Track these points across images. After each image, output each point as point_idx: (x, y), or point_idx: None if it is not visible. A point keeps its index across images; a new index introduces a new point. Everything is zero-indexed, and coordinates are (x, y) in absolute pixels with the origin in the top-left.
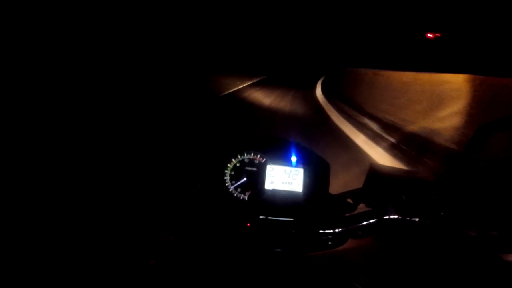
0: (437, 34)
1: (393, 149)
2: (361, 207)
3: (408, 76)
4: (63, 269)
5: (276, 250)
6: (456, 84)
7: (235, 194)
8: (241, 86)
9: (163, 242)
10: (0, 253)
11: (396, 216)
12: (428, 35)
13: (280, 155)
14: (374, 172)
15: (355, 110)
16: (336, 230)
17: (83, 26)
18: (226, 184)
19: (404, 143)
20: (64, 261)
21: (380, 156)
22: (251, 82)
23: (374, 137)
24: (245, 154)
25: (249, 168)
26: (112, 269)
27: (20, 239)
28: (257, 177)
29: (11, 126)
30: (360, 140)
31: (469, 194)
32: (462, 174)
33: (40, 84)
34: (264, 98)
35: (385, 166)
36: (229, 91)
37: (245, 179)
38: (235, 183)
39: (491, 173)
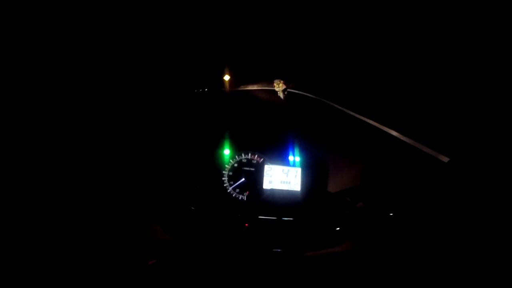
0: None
1: None
2: (360, 205)
3: None
4: (63, 269)
5: (275, 250)
6: None
7: (233, 195)
8: None
9: (163, 242)
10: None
11: (394, 214)
12: None
13: (278, 155)
14: (371, 171)
15: None
16: (336, 229)
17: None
18: (225, 185)
19: None
20: (65, 261)
21: None
22: None
23: None
24: (243, 155)
25: (247, 169)
26: (113, 269)
27: (19, 239)
28: (255, 177)
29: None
30: None
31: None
32: (465, 171)
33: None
34: None
35: (381, 164)
36: None
37: (243, 179)
38: (234, 183)
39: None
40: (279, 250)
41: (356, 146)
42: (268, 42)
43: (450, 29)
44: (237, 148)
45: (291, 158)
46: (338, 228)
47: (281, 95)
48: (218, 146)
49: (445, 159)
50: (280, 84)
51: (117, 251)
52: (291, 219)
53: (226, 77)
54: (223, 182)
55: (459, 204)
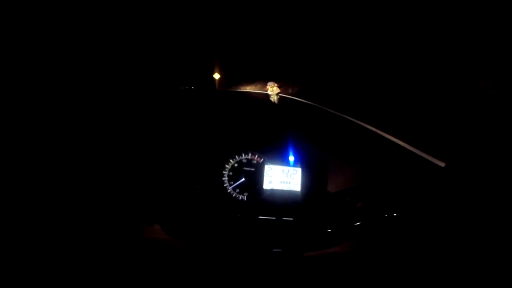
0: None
1: None
2: (360, 205)
3: None
4: (63, 269)
5: (275, 250)
6: None
7: (233, 195)
8: None
9: (163, 242)
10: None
11: (394, 214)
12: None
13: (278, 155)
14: (370, 171)
15: None
16: (336, 229)
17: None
18: (225, 185)
19: None
20: (64, 261)
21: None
22: None
23: None
24: (243, 155)
25: (247, 169)
26: (112, 269)
27: (17, 239)
28: (255, 177)
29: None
30: None
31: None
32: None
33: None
34: None
35: (380, 164)
36: None
37: (243, 179)
38: (234, 183)
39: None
40: (279, 250)
41: (352, 150)
42: (263, 42)
43: (445, 37)
44: (237, 148)
45: (291, 158)
46: (338, 228)
47: (274, 98)
48: (218, 146)
49: (442, 164)
50: (274, 88)
51: (116, 251)
52: (291, 219)
53: (216, 76)
54: (223, 182)
55: (458, 206)
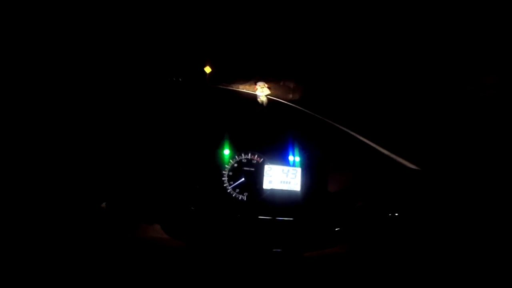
0: None
1: None
2: (360, 205)
3: None
4: (62, 269)
5: (275, 250)
6: None
7: (233, 195)
8: None
9: (162, 242)
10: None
11: (396, 214)
12: None
13: (277, 155)
14: (371, 170)
15: None
16: (336, 229)
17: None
18: (225, 185)
19: None
20: (63, 261)
21: None
22: None
23: None
24: (243, 154)
25: (247, 169)
26: (112, 269)
27: (17, 238)
28: (255, 177)
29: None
30: None
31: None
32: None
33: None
34: None
35: (380, 164)
36: None
37: (243, 179)
38: (234, 183)
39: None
40: (279, 250)
41: (343, 154)
42: (262, 39)
43: (428, 48)
44: (237, 148)
45: (291, 158)
46: (338, 228)
47: (263, 99)
48: (218, 146)
49: (417, 168)
50: (264, 89)
51: (116, 250)
52: (291, 219)
53: (208, 69)
54: (223, 182)
55: (447, 207)
